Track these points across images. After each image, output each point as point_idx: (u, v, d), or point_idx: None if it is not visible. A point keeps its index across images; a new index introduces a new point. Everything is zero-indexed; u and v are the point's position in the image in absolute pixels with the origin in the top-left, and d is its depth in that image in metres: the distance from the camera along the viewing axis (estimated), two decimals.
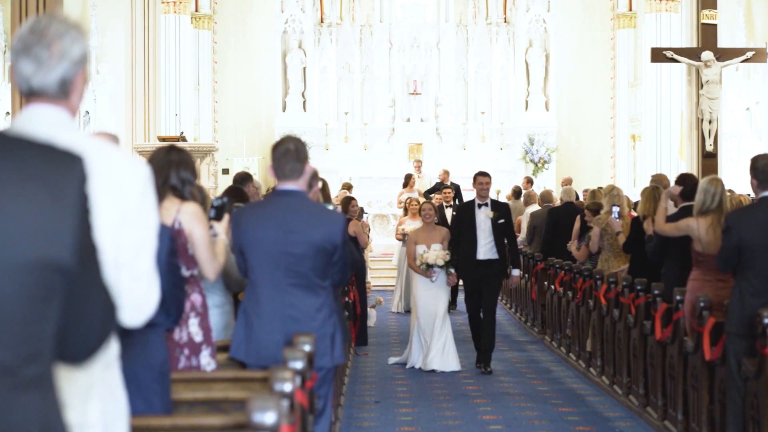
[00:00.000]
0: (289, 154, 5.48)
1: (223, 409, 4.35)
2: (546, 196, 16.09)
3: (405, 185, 21.04)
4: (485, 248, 11.47)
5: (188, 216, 5.27)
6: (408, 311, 15.83)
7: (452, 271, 11.44)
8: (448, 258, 11.27)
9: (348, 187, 20.85)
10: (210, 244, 5.34)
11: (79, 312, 2.02)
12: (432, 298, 11.49)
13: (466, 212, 11.79)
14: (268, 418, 3.17)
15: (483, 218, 11.44)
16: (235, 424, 3.61)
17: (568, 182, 20.95)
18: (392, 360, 12.14)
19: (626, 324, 9.66)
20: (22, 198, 1.87)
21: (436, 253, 11.25)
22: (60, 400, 1.99)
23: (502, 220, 11.50)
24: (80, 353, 2.11)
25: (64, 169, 1.95)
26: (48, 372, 1.94)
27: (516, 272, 12.07)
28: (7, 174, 1.88)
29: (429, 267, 11.28)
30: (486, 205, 11.55)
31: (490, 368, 11.43)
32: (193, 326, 5.30)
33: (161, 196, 5.20)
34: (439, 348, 11.45)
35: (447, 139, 26.68)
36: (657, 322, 8.55)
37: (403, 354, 12.14)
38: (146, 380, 3.66)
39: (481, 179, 11.62)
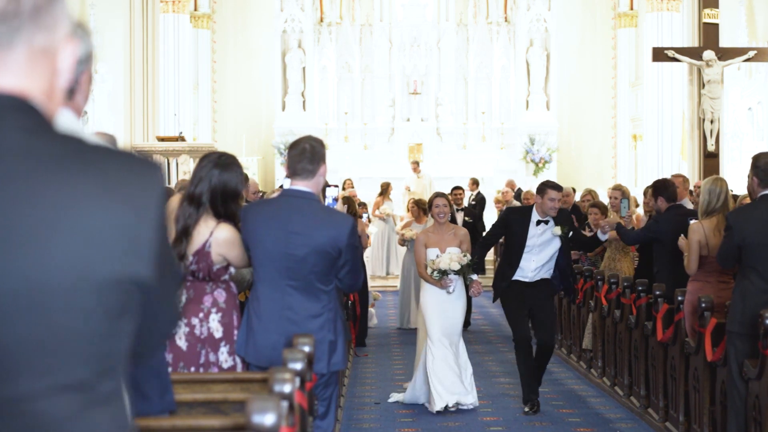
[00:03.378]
0: (303, 154, 5.42)
1: (223, 410, 4.32)
2: None
3: (381, 194, 20.78)
4: (536, 271, 9.21)
5: (222, 242, 5.43)
6: (414, 328, 14.12)
7: (474, 277, 9.23)
8: (466, 261, 9.18)
9: (386, 186, 20.69)
10: (244, 256, 5.52)
11: (152, 320, 2.03)
12: (445, 313, 9.35)
13: (518, 220, 9.31)
14: (268, 419, 3.13)
15: (543, 237, 9.16)
16: (234, 426, 3.58)
17: (512, 185, 20.88)
18: (394, 397, 9.95)
19: (627, 325, 9.62)
20: (102, 212, 1.83)
21: (450, 255, 9.17)
22: (128, 413, 1.98)
23: (570, 233, 9.26)
24: (145, 357, 2.14)
25: (143, 181, 1.92)
26: (120, 387, 1.94)
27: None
28: (88, 187, 1.83)
29: (443, 274, 9.19)
30: (546, 222, 9.17)
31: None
32: (214, 322, 5.37)
33: (200, 211, 5.32)
34: (455, 378, 9.35)
35: (447, 139, 26.65)
36: (658, 322, 8.52)
37: (407, 389, 9.88)
38: (141, 378, 3.64)
39: (554, 193, 9.10)
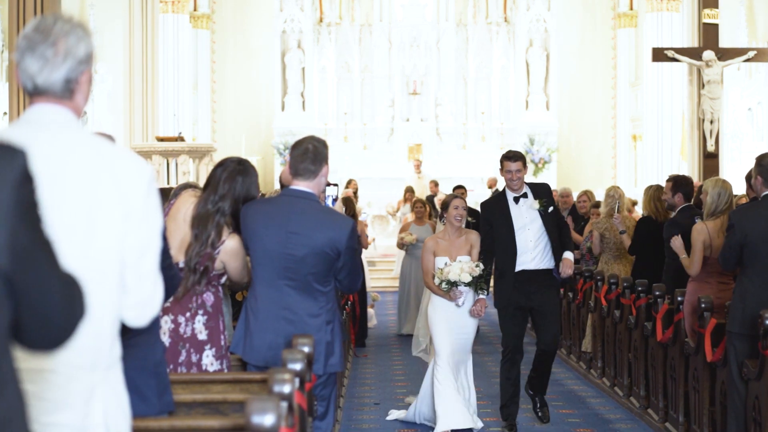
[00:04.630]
0: (306, 154, 5.41)
1: (222, 410, 4.30)
2: None
3: (405, 197, 20.64)
4: (534, 254, 8.37)
5: (228, 250, 5.42)
6: (410, 334, 13.62)
7: (483, 294, 8.32)
8: (478, 272, 8.16)
9: (410, 189, 20.62)
10: (243, 269, 5.53)
11: (33, 306, 2.02)
12: (456, 329, 8.41)
13: (496, 209, 8.53)
14: (267, 419, 3.12)
15: (524, 212, 8.40)
16: (233, 426, 3.57)
17: (492, 182, 20.81)
18: (394, 415, 9.12)
19: (627, 325, 9.61)
20: None
21: (460, 265, 8.16)
22: (19, 397, 1.97)
23: (551, 208, 8.48)
24: (43, 343, 2.12)
25: None
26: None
27: (569, 255, 8.52)
28: None
29: (452, 285, 8.21)
30: (525, 196, 8.45)
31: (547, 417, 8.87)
32: (199, 324, 5.37)
33: (224, 220, 5.43)
34: (461, 404, 8.42)
35: (447, 139, 26.63)
36: (658, 323, 8.51)
37: (410, 408, 8.97)
38: (139, 379, 3.63)
39: (510, 164, 8.37)
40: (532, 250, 8.35)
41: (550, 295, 8.50)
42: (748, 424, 6.66)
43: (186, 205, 5.50)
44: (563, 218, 8.80)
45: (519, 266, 8.36)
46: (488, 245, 8.44)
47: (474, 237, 8.49)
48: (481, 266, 8.19)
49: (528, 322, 8.75)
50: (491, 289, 9.15)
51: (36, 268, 2.00)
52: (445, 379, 8.35)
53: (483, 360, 12.29)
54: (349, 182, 20.53)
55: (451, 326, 8.39)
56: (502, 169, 8.48)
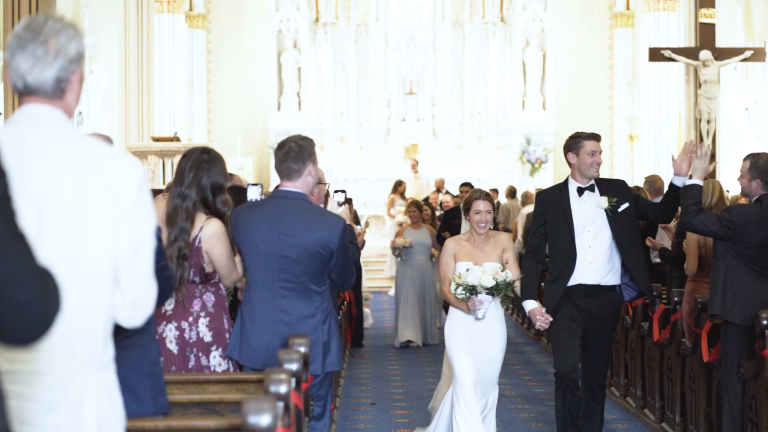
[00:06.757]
0: (288, 153, 5.37)
1: (218, 411, 4.29)
2: None
3: (394, 191, 20.57)
4: (595, 265, 6.86)
5: (208, 236, 5.37)
6: (409, 341, 13.41)
7: (532, 304, 6.88)
8: (503, 277, 6.66)
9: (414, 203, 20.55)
10: (229, 259, 5.44)
11: (7, 299, 2.07)
12: (477, 348, 6.91)
13: (554, 202, 6.99)
14: (264, 420, 3.11)
15: (590, 210, 6.88)
16: (230, 427, 3.56)
17: (440, 184, 20.82)
18: None
19: (624, 326, 9.61)
20: None
21: (483, 267, 6.70)
22: None
23: (625, 205, 6.87)
24: (20, 337, 2.16)
25: None
26: None
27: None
28: None
29: (471, 292, 6.71)
30: (591, 189, 6.92)
31: None
32: (202, 326, 5.35)
33: (194, 207, 5.37)
34: None
35: (443, 139, 26.62)
36: (655, 323, 8.51)
37: None
38: (134, 380, 3.61)
39: (589, 144, 6.86)
40: (592, 260, 6.86)
41: (608, 323, 7.06)
42: (744, 424, 6.66)
43: (160, 211, 5.45)
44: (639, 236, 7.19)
45: (575, 279, 6.89)
46: (538, 244, 7.06)
47: (504, 239, 7.08)
48: (509, 274, 6.71)
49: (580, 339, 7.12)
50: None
51: (8, 261, 2.03)
52: (472, 412, 6.84)
53: None
54: (400, 183, 20.52)
55: (475, 347, 6.92)
56: (577, 151, 6.93)
